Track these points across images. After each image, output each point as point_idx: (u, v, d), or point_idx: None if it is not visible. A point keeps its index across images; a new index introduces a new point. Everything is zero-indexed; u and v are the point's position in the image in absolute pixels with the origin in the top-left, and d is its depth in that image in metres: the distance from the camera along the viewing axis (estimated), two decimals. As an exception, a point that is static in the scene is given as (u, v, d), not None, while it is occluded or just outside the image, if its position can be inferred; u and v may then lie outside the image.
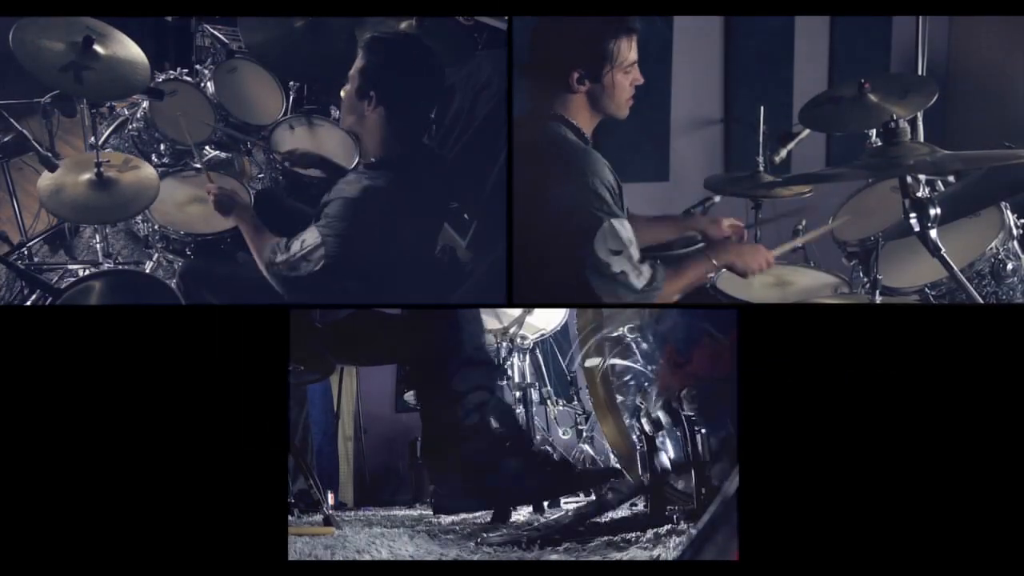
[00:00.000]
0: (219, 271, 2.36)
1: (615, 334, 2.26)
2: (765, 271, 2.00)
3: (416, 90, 1.99)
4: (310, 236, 1.95)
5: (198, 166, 2.59)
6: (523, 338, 2.86)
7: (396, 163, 2.01)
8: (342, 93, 2.04)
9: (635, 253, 1.83)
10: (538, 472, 1.75)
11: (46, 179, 2.24)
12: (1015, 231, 2.09)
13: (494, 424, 1.75)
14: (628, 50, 1.89)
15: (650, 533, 1.47)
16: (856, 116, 2.25)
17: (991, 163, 1.95)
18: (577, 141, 1.89)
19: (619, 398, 2.22)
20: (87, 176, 2.24)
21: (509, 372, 2.75)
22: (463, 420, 1.73)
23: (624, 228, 1.82)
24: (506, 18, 2.47)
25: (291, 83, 2.98)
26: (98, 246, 2.52)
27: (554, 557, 1.48)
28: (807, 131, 2.64)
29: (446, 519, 2.02)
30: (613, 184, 1.85)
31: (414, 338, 1.84)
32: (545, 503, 1.93)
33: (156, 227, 2.49)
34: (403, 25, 2.74)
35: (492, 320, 2.65)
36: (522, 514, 1.86)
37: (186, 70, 2.96)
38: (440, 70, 2.05)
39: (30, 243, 2.62)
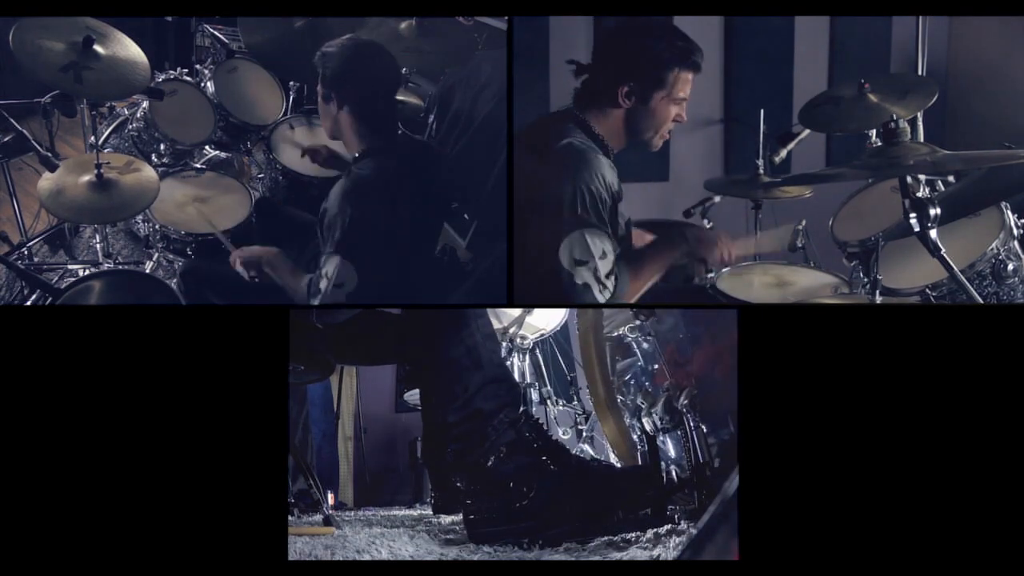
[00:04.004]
0: (219, 271, 2.36)
1: (615, 334, 2.26)
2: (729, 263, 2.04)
3: (373, 84, 2.06)
4: (330, 266, 1.97)
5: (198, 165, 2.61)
6: (523, 338, 2.87)
7: (379, 152, 2.06)
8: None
9: (603, 267, 1.82)
10: (584, 487, 1.62)
11: (46, 180, 2.24)
12: (1015, 231, 2.08)
13: (532, 439, 1.69)
14: (685, 83, 1.89)
15: (650, 533, 1.47)
16: (856, 116, 2.25)
17: (991, 163, 1.94)
18: (590, 146, 1.88)
19: (619, 398, 2.22)
20: (87, 178, 2.24)
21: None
22: (496, 440, 1.68)
23: (595, 240, 1.81)
24: (506, 18, 2.47)
25: (291, 83, 2.99)
26: (98, 246, 2.52)
27: (554, 557, 1.48)
28: (807, 131, 2.64)
29: (446, 519, 2.02)
30: (603, 192, 1.83)
31: (419, 340, 1.82)
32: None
33: (156, 227, 2.49)
34: (403, 25, 2.74)
35: (492, 320, 2.65)
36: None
37: (186, 70, 2.96)
38: (392, 59, 2.11)
39: (30, 243, 2.62)
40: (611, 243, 1.84)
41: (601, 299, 1.82)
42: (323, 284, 1.98)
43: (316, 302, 1.99)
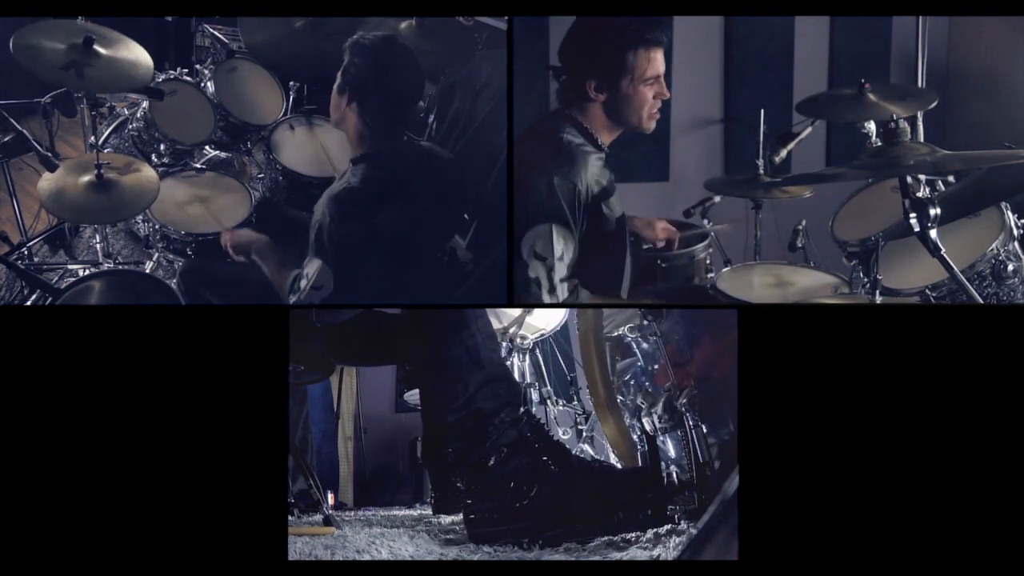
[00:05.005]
0: (219, 271, 2.36)
1: (615, 334, 2.26)
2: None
3: (392, 89, 2.03)
4: (312, 267, 1.97)
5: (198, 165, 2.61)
6: (523, 338, 2.86)
7: (376, 158, 2.04)
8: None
9: (560, 269, 1.82)
10: (585, 487, 1.61)
11: (46, 181, 2.24)
12: (1015, 231, 2.08)
13: (532, 439, 1.69)
14: (649, 62, 1.88)
15: (650, 533, 1.47)
16: (855, 112, 2.24)
17: (991, 163, 1.94)
18: (581, 143, 1.88)
19: (619, 398, 2.22)
20: (87, 178, 2.24)
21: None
22: (497, 440, 1.68)
23: (560, 239, 1.81)
24: (506, 18, 2.47)
25: (291, 83, 2.99)
26: (98, 246, 2.52)
27: (554, 557, 1.48)
28: (807, 131, 2.63)
29: (446, 519, 2.02)
30: (581, 188, 1.84)
31: (418, 340, 1.82)
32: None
33: (156, 227, 2.49)
34: (403, 25, 2.74)
35: (492, 320, 2.65)
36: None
37: (186, 70, 2.96)
38: (419, 72, 2.09)
39: (30, 243, 2.62)
40: (574, 248, 1.83)
41: (547, 300, 1.82)
42: (303, 283, 1.98)
43: (292, 300, 1.99)
